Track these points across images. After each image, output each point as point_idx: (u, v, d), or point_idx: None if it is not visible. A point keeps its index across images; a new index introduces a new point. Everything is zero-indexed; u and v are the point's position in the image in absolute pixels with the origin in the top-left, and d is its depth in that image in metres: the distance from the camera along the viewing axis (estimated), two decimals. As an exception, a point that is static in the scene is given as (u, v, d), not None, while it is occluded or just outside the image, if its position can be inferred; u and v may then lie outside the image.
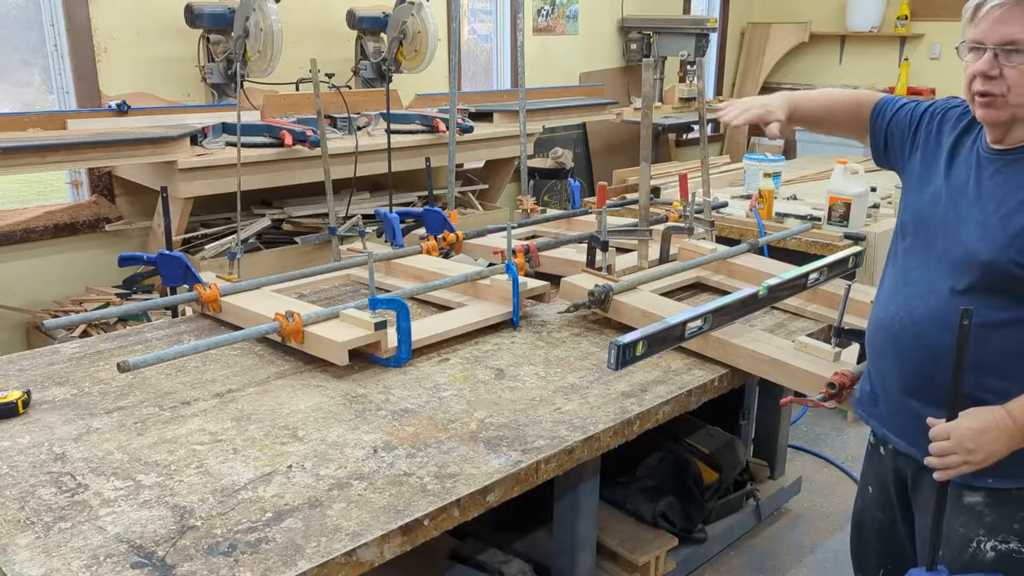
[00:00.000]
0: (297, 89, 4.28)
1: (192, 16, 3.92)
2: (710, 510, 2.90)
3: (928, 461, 1.44)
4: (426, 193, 4.36)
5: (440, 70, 4.98)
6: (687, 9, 7.21)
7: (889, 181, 3.83)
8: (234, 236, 3.56)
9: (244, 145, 3.46)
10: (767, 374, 2.11)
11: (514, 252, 2.67)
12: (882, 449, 1.74)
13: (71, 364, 2.12)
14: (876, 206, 3.77)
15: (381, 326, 2.08)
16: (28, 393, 1.86)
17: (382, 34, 4.60)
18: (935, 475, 1.44)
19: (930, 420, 1.45)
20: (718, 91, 7.82)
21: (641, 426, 1.90)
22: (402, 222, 3.03)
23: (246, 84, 3.99)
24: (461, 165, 5.01)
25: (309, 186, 3.97)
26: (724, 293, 2.46)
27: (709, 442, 2.93)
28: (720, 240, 3.21)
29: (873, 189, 3.75)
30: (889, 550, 1.79)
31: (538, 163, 5.47)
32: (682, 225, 2.99)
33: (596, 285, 2.38)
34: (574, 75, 6.30)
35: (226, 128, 3.76)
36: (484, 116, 4.88)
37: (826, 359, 2.05)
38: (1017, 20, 1.40)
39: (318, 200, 4.02)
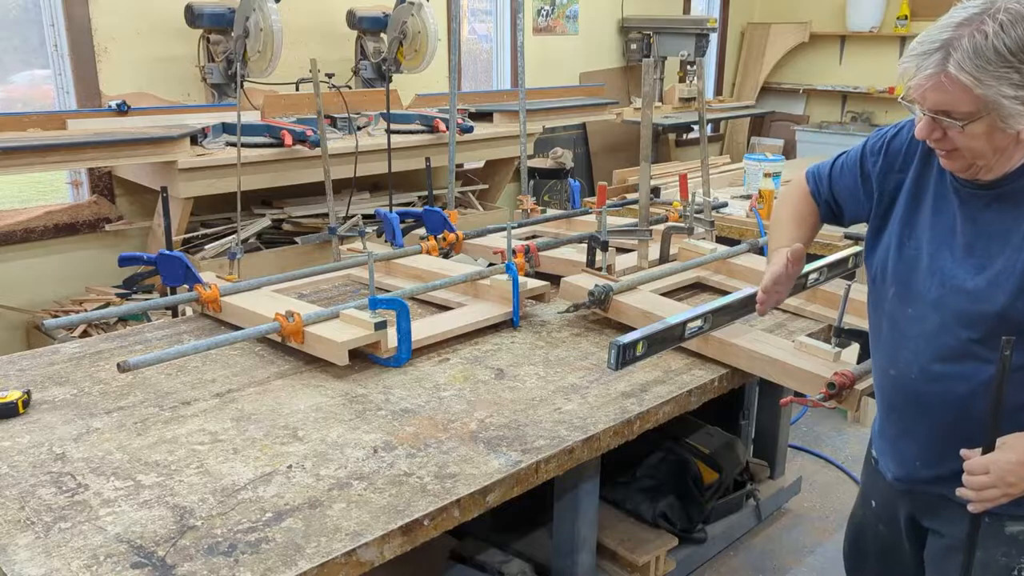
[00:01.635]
0: (297, 89, 4.28)
1: (192, 16, 3.92)
2: (710, 510, 2.90)
3: (962, 493, 1.37)
4: (426, 193, 4.36)
5: (440, 70, 4.98)
6: (687, 9, 7.21)
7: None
8: (234, 236, 3.56)
9: (244, 145, 3.46)
10: (767, 374, 2.11)
11: (514, 252, 2.67)
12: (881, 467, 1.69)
13: (71, 364, 2.12)
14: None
15: (381, 326, 2.08)
16: (28, 393, 1.86)
17: (382, 34, 4.60)
18: (970, 507, 1.37)
19: (964, 453, 1.38)
20: (718, 91, 7.82)
21: (641, 426, 1.90)
22: (402, 222, 3.03)
23: (246, 84, 3.99)
24: (461, 165, 5.01)
25: (309, 186, 3.96)
26: (724, 293, 2.46)
27: (709, 442, 2.93)
28: (720, 240, 3.21)
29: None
30: (889, 565, 1.74)
31: (538, 163, 5.47)
32: (682, 225, 2.99)
33: (596, 285, 2.38)
34: (574, 75, 6.30)
35: (226, 128, 3.76)
36: (484, 116, 4.88)
37: (826, 359, 2.05)
38: (942, 91, 1.30)
39: (318, 200, 4.02)
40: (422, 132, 4.32)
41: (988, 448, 1.34)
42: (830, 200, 1.74)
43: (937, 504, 1.56)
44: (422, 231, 3.07)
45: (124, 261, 2.57)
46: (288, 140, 3.64)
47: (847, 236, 3.33)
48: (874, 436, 1.73)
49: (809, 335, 2.21)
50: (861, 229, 1.72)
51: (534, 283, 2.52)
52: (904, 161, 1.55)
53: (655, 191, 4.03)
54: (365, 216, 3.66)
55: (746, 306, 2.28)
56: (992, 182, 1.39)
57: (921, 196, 1.50)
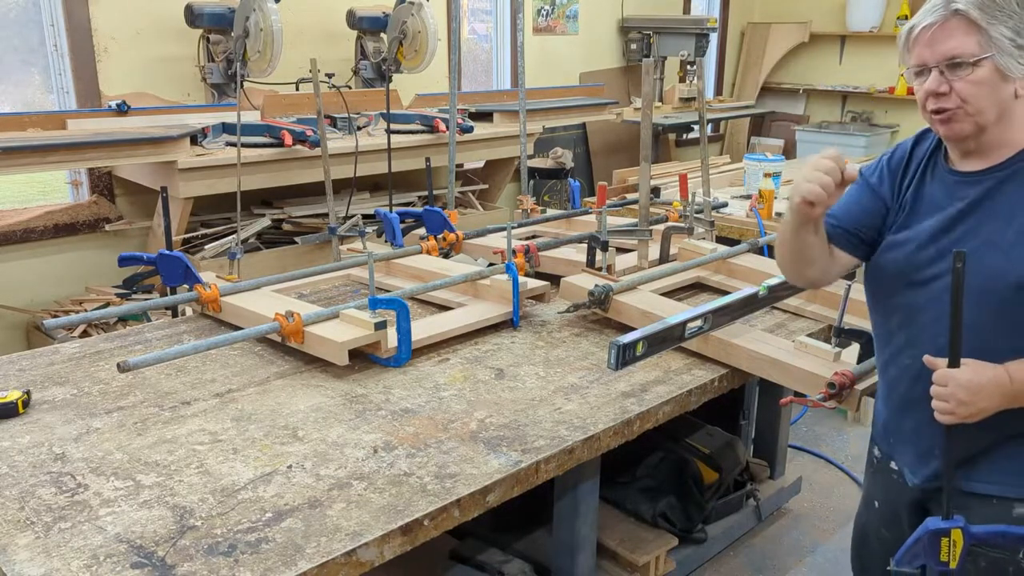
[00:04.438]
0: (297, 89, 4.28)
1: (192, 16, 3.92)
2: (710, 510, 2.90)
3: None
4: (426, 193, 4.36)
5: (440, 70, 4.98)
6: (687, 9, 7.20)
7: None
8: (234, 236, 3.56)
9: (244, 145, 3.46)
10: (767, 374, 2.11)
11: (514, 252, 2.67)
12: (894, 463, 1.69)
13: (71, 364, 2.12)
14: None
15: (381, 326, 2.08)
16: (28, 393, 1.86)
17: (382, 34, 4.59)
18: (936, 416, 1.44)
19: (927, 359, 1.44)
20: (718, 91, 7.82)
21: (641, 426, 1.90)
22: (402, 222, 3.03)
23: (246, 84, 3.99)
24: (461, 165, 5.01)
25: (309, 186, 3.96)
26: (724, 293, 2.46)
27: (709, 442, 2.93)
28: (720, 240, 3.21)
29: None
30: None
31: (538, 163, 5.47)
32: (682, 225, 2.99)
33: (596, 285, 2.38)
34: (574, 75, 6.30)
35: (226, 128, 3.75)
36: (484, 116, 4.88)
37: (826, 359, 2.05)
38: (949, 36, 1.41)
39: (318, 200, 4.02)
40: (422, 132, 4.32)
41: (953, 363, 1.41)
42: (846, 225, 1.66)
43: (960, 501, 1.53)
44: (422, 231, 3.07)
45: (124, 261, 2.57)
46: (288, 140, 3.64)
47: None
48: (880, 437, 1.72)
49: (809, 335, 2.21)
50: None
51: (534, 283, 2.52)
52: (904, 171, 1.62)
53: (655, 191, 4.03)
54: (365, 216, 3.66)
55: (746, 306, 2.28)
56: (988, 169, 1.47)
57: (925, 196, 1.57)
